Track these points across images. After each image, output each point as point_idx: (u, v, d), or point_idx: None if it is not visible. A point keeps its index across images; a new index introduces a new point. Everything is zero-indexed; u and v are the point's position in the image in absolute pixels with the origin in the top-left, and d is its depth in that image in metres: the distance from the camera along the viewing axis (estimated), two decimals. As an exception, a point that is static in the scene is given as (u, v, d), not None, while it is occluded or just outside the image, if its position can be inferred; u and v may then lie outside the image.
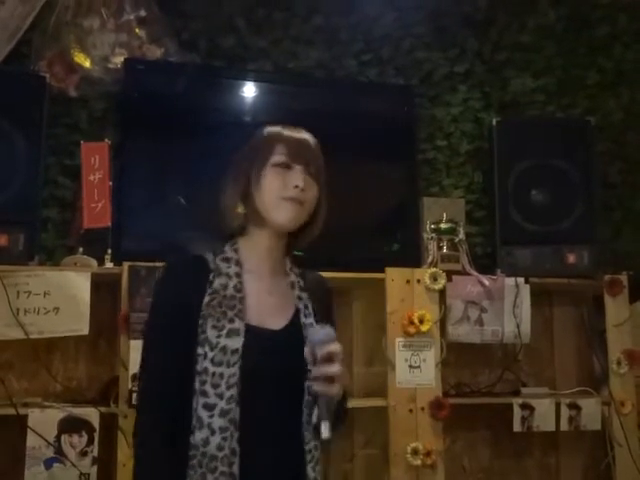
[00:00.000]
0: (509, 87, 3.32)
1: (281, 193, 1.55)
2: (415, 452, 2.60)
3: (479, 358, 3.06)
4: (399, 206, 3.05)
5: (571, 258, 2.97)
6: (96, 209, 2.60)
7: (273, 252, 1.62)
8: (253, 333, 1.49)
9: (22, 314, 2.38)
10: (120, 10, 2.80)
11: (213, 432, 1.43)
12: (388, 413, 2.62)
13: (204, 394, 1.46)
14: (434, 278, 2.74)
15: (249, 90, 2.98)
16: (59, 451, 2.33)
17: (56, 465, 2.32)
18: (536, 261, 2.96)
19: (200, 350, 1.47)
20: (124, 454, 2.36)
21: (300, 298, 1.60)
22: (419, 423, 2.64)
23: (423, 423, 2.64)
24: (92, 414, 2.38)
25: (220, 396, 1.45)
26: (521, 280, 2.86)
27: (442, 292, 2.76)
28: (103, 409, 2.40)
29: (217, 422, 1.44)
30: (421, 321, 2.67)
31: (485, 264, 3.03)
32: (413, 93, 3.19)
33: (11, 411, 2.34)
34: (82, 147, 2.64)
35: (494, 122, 3.09)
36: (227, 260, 1.58)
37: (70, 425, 2.36)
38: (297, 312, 1.58)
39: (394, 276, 2.72)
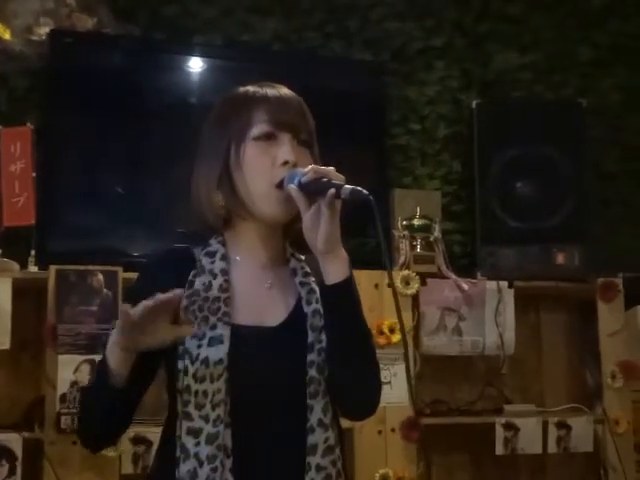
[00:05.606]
0: (492, 64, 3.37)
1: (268, 176, 1.44)
2: (384, 479, 2.66)
3: (457, 372, 3.12)
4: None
5: (560, 259, 3.04)
6: (18, 204, 2.61)
7: (267, 242, 1.53)
8: (243, 337, 1.41)
9: None
10: (45, -27, 2.81)
11: (201, 463, 1.36)
12: (354, 435, 2.64)
13: (188, 417, 1.39)
14: (406, 282, 2.79)
15: (195, 66, 3.00)
16: (-24, 483, 2.35)
17: (-27, 499, 2.34)
18: (521, 262, 3.02)
19: (180, 364, 1.40)
20: (51, 485, 2.39)
21: (303, 284, 1.51)
22: (389, 446, 2.70)
23: (394, 446, 2.69)
24: (14, 440, 2.39)
25: (205, 418, 1.37)
26: (504, 284, 2.93)
27: (415, 298, 2.82)
28: (27, 434, 2.43)
29: (204, 450, 1.36)
30: (392, 331, 2.71)
31: (464, 265, 3.10)
32: (383, 70, 3.24)
33: None
34: (1, 133, 2.64)
35: (474, 104, 3.15)
36: (211, 255, 1.49)
37: (-12, 453, 2.37)
38: (299, 301, 1.50)
39: (361, 279, 2.67)
